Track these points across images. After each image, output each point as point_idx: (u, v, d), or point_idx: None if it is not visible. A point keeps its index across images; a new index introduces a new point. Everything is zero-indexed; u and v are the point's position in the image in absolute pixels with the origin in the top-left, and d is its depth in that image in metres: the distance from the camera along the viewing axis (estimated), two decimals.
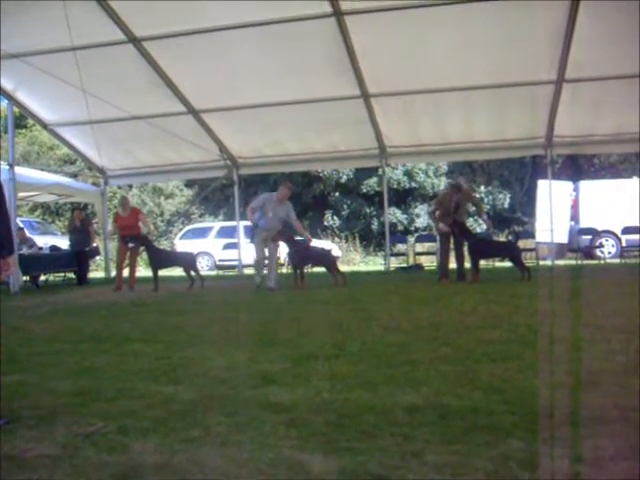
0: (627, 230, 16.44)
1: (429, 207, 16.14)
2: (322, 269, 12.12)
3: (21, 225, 16.86)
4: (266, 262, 11.48)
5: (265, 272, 11.41)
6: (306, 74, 12.32)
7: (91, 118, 12.43)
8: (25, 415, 3.35)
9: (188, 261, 12.64)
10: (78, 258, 14.79)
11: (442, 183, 25.41)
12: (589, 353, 4.41)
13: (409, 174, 25.12)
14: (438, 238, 12.45)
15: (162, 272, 12.32)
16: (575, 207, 18.58)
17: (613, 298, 7.65)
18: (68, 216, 23.32)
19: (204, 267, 20.65)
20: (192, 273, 12.14)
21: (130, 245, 11.91)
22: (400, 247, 18.73)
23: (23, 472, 2.57)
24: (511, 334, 5.37)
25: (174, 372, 4.33)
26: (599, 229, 16.97)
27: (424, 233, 22.34)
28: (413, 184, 25.32)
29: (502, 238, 20.49)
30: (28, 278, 13.73)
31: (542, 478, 2.37)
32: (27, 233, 16.04)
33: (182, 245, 21.42)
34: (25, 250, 14.48)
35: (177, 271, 18.61)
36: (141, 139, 14.82)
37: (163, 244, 24.89)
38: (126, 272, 12.45)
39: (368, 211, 25.58)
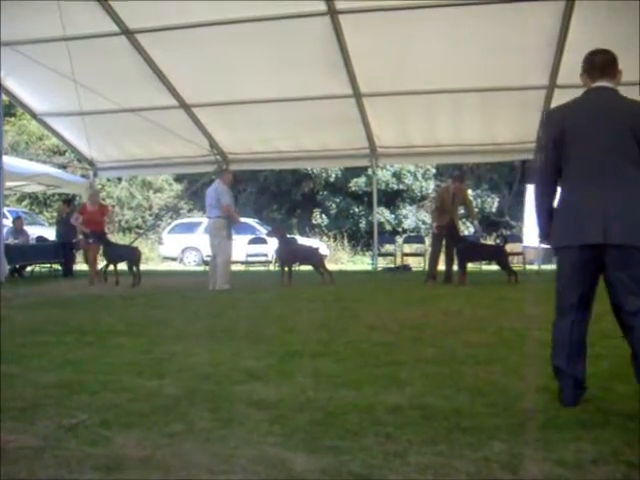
0: None
1: (430, 205, 16.03)
2: (310, 267, 12.12)
3: (8, 215, 16.74)
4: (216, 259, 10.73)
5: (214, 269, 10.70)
6: (299, 72, 12.31)
7: (81, 109, 12.35)
8: (8, 406, 3.33)
9: (131, 256, 11.87)
10: (64, 250, 14.70)
11: (430, 186, 25.45)
12: None
13: (397, 176, 25.13)
14: (431, 239, 12.47)
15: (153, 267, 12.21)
16: None
17: (597, 303, 7.69)
18: (56, 207, 23.18)
19: (191, 262, 20.60)
20: (134, 269, 11.41)
21: (90, 241, 11.89)
22: (388, 247, 18.77)
23: (4, 463, 2.55)
24: (496, 337, 5.40)
25: (158, 366, 4.32)
26: None
27: (412, 234, 22.41)
28: (401, 186, 25.34)
29: (490, 241, 20.55)
30: (11, 267, 13.59)
31: None
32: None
33: (170, 239, 21.40)
34: (11, 240, 14.37)
35: (162, 265, 18.60)
36: (131, 132, 14.75)
37: (151, 238, 24.86)
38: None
39: (356, 210, 25.58)
